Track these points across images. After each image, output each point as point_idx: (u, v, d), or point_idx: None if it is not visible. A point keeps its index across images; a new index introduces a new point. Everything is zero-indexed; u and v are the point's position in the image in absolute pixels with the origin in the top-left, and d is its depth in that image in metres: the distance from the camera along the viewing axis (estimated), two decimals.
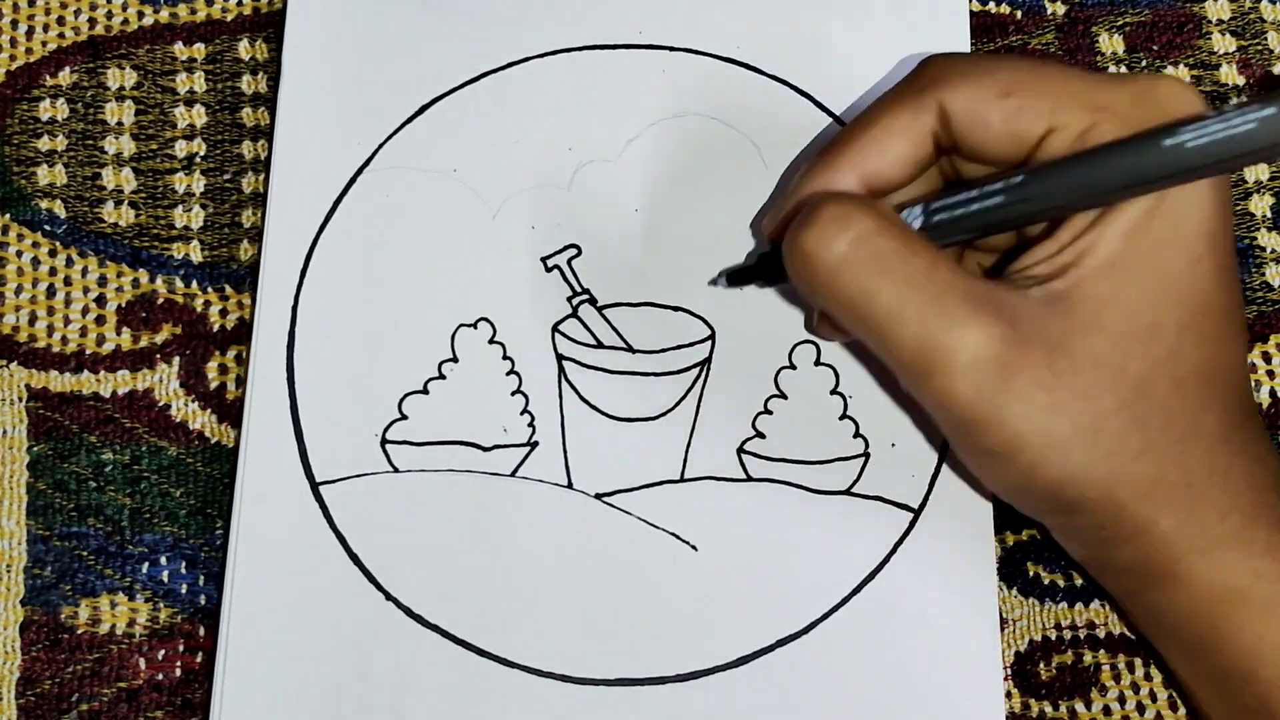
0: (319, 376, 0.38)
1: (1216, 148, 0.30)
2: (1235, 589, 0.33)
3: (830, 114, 0.41)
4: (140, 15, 0.43)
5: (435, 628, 0.36)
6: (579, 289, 0.39)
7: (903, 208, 0.34)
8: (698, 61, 0.41)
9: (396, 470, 0.38)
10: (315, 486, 0.37)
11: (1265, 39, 0.43)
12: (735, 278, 0.38)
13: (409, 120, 0.41)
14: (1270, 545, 0.33)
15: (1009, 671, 0.37)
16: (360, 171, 0.40)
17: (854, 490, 0.38)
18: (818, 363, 0.39)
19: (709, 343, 0.39)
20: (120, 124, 0.42)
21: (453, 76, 0.41)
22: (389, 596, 0.37)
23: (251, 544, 0.37)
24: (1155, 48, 0.43)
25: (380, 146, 0.40)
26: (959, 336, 0.31)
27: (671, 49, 0.41)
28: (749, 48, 0.41)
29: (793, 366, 0.39)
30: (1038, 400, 0.31)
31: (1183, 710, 0.37)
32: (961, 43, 0.41)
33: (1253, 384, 0.39)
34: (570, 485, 0.38)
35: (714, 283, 0.39)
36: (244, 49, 0.43)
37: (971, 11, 0.43)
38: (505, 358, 0.39)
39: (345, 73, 0.41)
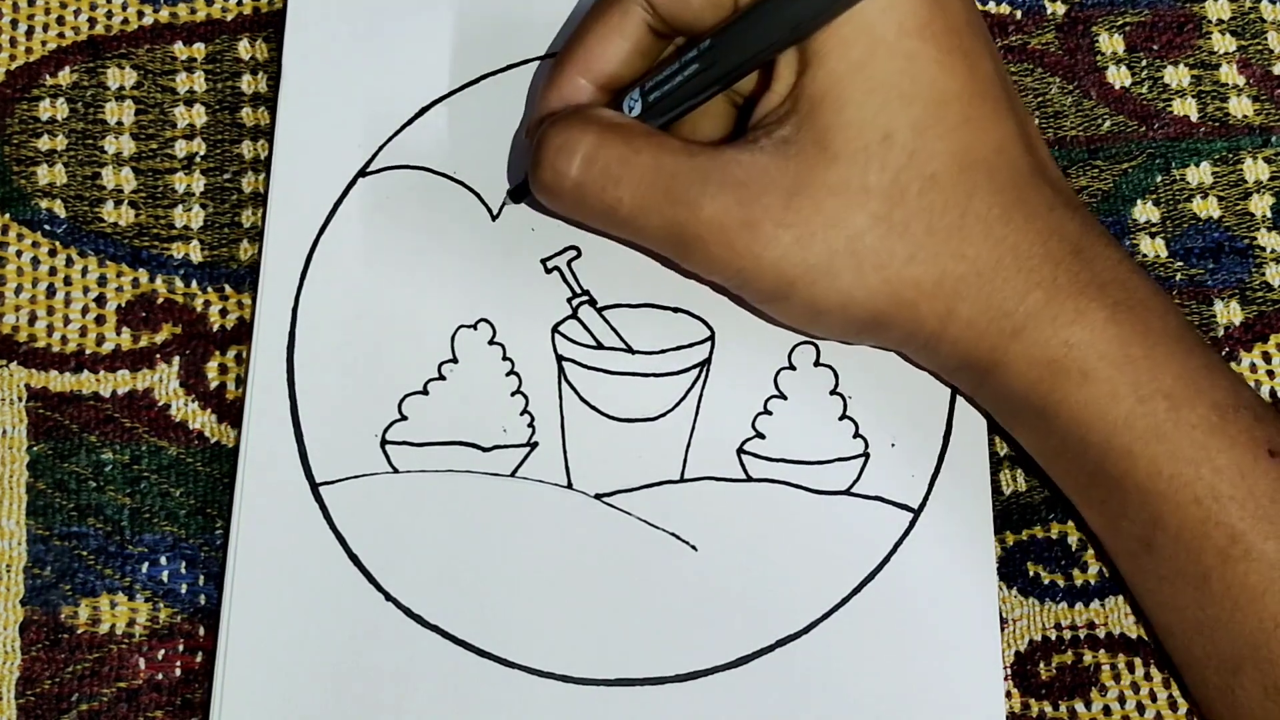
0: (319, 377, 0.38)
1: None
2: (1052, 362, 0.33)
3: None
4: (140, 15, 0.43)
5: (435, 628, 0.36)
6: (579, 290, 0.39)
7: (628, 90, 0.36)
8: None
9: (396, 471, 0.38)
10: (315, 487, 0.37)
11: (1265, 39, 0.43)
12: (517, 194, 0.39)
13: (409, 121, 0.41)
14: (1079, 313, 0.33)
15: (1009, 671, 0.37)
16: (361, 172, 0.40)
17: (854, 490, 0.38)
18: (817, 363, 0.39)
19: (709, 343, 0.39)
20: (120, 124, 0.42)
21: (453, 78, 0.41)
22: (389, 597, 0.37)
23: (251, 544, 0.37)
24: (1155, 48, 0.43)
25: (381, 148, 0.40)
26: (696, 214, 0.34)
27: None
28: None
29: (792, 367, 0.39)
30: (784, 240, 0.33)
31: (1183, 710, 0.37)
32: None
33: (1253, 384, 0.40)
34: (570, 485, 0.38)
35: (504, 204, 0.40)
36: (244, 49, 0.42)
37: None
38: (505, 359, 0.39)
39: (345, 73, 0.41)
